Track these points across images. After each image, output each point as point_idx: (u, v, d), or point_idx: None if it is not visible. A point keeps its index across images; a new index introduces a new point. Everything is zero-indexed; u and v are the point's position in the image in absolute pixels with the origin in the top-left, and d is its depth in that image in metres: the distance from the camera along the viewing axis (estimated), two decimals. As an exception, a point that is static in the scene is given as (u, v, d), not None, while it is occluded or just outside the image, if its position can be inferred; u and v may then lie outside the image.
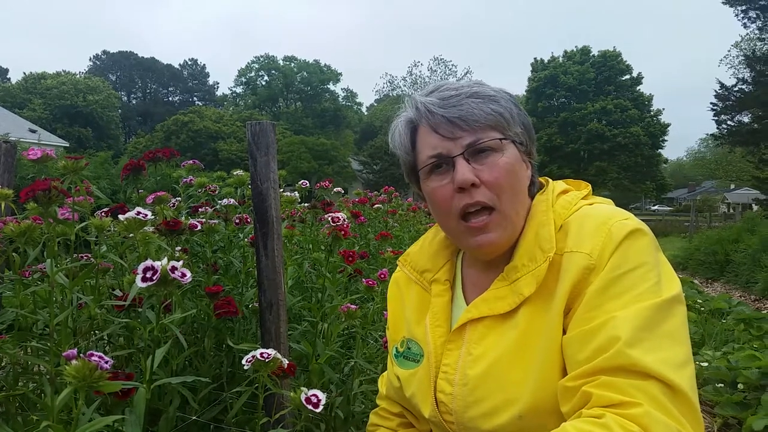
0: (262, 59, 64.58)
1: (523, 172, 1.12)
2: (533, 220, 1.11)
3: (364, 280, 2.39)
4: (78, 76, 58.42)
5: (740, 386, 3.92)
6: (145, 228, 1.54)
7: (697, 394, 0.90)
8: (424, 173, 1.13)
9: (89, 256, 1.81)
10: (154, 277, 1.12)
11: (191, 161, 2.52)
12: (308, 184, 3.05)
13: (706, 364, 4.38)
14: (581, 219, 1.06)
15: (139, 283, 1.12)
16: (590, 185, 1.23)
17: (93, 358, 0.94)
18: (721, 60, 33.22)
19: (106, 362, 0.95)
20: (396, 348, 1.29)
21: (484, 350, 1.08)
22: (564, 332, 0.99)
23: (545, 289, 1.03)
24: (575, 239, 1.03)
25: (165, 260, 1.16)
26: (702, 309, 7.02)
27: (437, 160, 1.09)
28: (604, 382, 0.89)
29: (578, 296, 0.98)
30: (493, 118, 1.07)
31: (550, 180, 1.22)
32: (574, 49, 44.97)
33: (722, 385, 4.02)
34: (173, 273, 1.14)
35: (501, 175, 1.06)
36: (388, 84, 66.21)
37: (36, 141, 25.82)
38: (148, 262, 1.14)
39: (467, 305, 1.18)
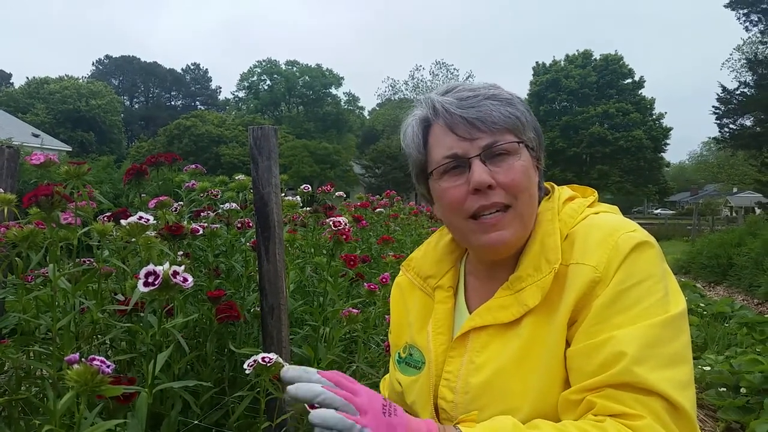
0: (264, 63, 64.72)
1: (534, 177, 1.10)
2: (539, 228, 1.09)
3: (365, 284, 2.40)
4: (81, 80, 58.69)
5: (743, 390, 3.90)
6: (147, 232, 1.54)
7: (696, 414, 0.91)
8: (437, 173, 1.10)
9: (92, 260, 1.82)
10: (156, 282, 1.12)
11: (194, 166, 2.53)
12: (310, 188, 3.05)
13: (708, 368, 4.37)
14: (587, 229, 1.05)
15: (141, 288, 1.13)
16: (596, 191, 1.22)
17: (95, 362, 0.94)
18: (723, 63, 33.37)
19: (108, 366, 0.95)
20: (398, 354, 1.28)
21: (486, 359, 1.07)
22: (567, 344, 0.99)
23: (549, 300, 1.02)
24: (581, 251, 1.01)
25: (167, 265, 1.16)
26: (704, 313, 7.00)
27: (453, 160, 1.06)
28: (609, 394, 0.89)
29: (583, 309, 0.97)
30: (510, 120, 1.06)
31: (556, 186, 1.20)
32: (576, 53, 45.03)
33: (725, 389, 4.01)
34: (175, 278, 1.14)
35: (517, 178, 1.04)
36: (390, 88, 66.42)
37: (39, 145, 25.94)
38: (150, 267, 1.14)
39: (470, 312, 1.17)
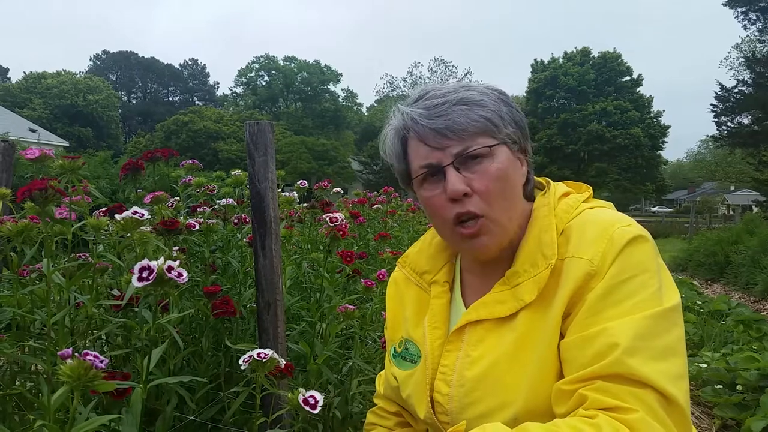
0: (262, 59, 64.51)
1: (516, 174, 1.10)
2: (535, 223, 1.10)
3: (362, 280, 2.39)
4: (78, 75, 58.52)
5: (739, 387, 3.91)
6: (142, 227, 1.54)
7: (689, 406, 0.91)
8: (417, 183, 1.12)
9: (87, 255, 1.81)
10: (151, 277, 1.12)
11: (190, 161, 2.52)
12: (307, 184, 3.04)
13: (705, 365, 4.38)
14: (583, 224, 1.05)
15: (136, 283, 1.12)
16: (591, 188, 1.22)
17: (88, 357, 0.94)
18: (721, 61, 33.25)
19: (101, 362, 0.95)
20: (394, 348, 1.29)
21: (482, 353, 1.08)
22: (562, 337, 0.99)
23: (545, 294, 1.03)
24: (576, 245, 1.02)
25: (161, 260, 1.15)
26: (701, 310, 7.02)
27: (428, 170, 1.08)
28: (601, 386, 0.89)
29: (578, 302, 0.98)
30: (480, 124, 1.05)
31: (551, 182, 1.21)
32: (574, 51, 44.97)
33: (721, 386, 4.02)
34: (170, 272, 1.14)
35: (491, 183, 1.05)
36: (389, 84, 66.13)
37: (36, 140, 25.88)
38: (145, 262, 1.13)
39: (465, 307, 1.18)
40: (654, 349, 0.90)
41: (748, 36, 25.03)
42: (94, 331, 1.72)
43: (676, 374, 0.90)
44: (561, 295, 1.00)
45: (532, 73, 45.76)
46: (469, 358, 1.09)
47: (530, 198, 1.17)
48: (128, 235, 1.51)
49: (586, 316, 0.96)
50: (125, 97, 75.44)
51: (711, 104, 20.49)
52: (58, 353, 1.00)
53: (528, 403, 0.98)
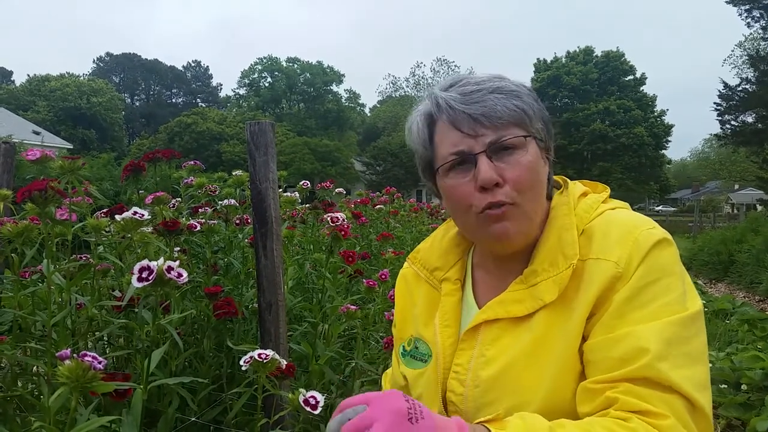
0: (265, 61, 64.66)
1: (543, 170, 1.08)
2: (554, 222, 1.08)
3: (364, 280, 2.39)
4: (82, 78, 58.83)
5: (744, 387, 3.90)
6: (143, 228, 1.53)
7: (712, 415, 0.90)
8: (443, 170, 1.08)
9: (88, 256, 1.81)
10: (150, 277, 1.12)
11: (192, 162, 2.52)
12: (310, 185, 3.04)
13: (709, 365, 4.37)
14: (606, 225, 1.04)
15: (136, 283, 1.12)
16: (608, 188, 1.21)
17: (86, 358, 0.93)
18: (724, 60, 33.25)
19: (100, 363, 0.94)
20: (403, 346, 1.27)
21: (497, 352, 1.06)
22: (584, 339, 0.98)
23: (564, 295, 1.01)
24: (600, 246, 1.01)
25: (161, 260, 1.15)
26: (706, 310, 6.99)
27: (459, 157, 1.05)
28: (629, 389, 0.88)
29: (603, 304, 0.97)
30: (516, 114, 1.03)
31: (569, 180, 1.19)
32: (577, 50, 44.98)
33: (726, 386, 4.00)
34: (169, 273, 1.13)
35: (524, 174, 1.02)
36: (391, 85, 66.41)
37: (39, 143, 25.94)
38: (144, 262, 1.13)
39: (477, 305, 1.16)
40: (682, 356, 0.89)
41: (751, 34, 25.00)
42: (96, 332, 1.72)
43: (702, 382, 0.89)
44: (584, 297, 0.98)
45: (534, 72, 45.77)
46: (484, 358, 1.07)
47: (549, 198, 1.15)
48: (129, 235, 1.51)
49: (612, 318, 0.95)
50: (128, 100, 75.66)
51: (715, 103, 20.41)
52: (57, 354, 1.00)
53: (545, 404, 0.97)
